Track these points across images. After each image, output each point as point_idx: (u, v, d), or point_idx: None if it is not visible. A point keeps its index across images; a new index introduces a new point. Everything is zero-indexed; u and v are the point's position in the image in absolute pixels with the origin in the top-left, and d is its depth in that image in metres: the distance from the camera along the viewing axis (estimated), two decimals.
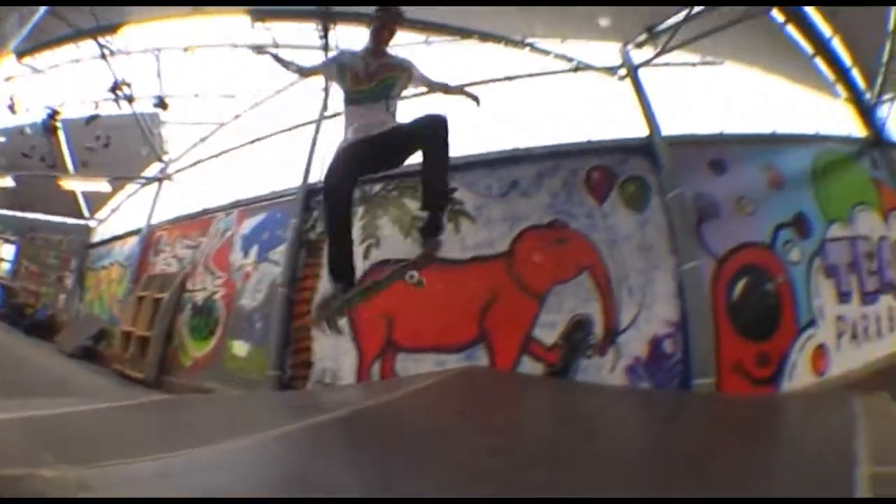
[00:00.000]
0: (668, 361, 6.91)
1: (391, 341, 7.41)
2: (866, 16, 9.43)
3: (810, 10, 8.96)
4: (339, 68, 3.73)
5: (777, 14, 8.38)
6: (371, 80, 3.69)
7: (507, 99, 8.34)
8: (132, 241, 12.18)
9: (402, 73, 3.80)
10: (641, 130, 7.71)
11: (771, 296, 7.64)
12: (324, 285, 3.76)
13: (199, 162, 11.61)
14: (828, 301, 8.18)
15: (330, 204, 3.61)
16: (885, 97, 10.52)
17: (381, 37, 3.74)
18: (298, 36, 8.39)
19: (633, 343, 6.95)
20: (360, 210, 8.02)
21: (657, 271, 7.16)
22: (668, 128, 7.86)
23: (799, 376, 7.51)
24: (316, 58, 7.02)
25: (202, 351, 9.46)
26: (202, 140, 11.38)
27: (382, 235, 7.88)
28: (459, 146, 7.90)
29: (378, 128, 3.57)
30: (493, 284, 7.17)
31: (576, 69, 8.36)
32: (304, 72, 4.18)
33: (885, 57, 10.14)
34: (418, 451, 3.15)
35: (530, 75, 8.56)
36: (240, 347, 8.92)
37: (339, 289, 3.64)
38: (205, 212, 10.58)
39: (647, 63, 8.30)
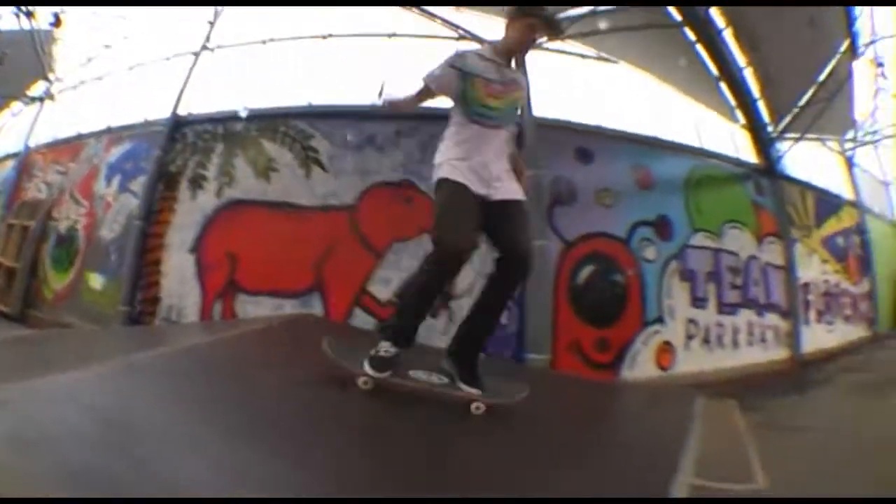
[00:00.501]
0: (503, 332, 6.95)
1: (233, 282, 7.25)
2: (795, 57, 9.84)
3: (730, 39, 9.38)
4: (462, 75, 2.86)
5: (689, 32, 8.58)
6: (504, 95, 2.94)
7: (386, 56, 8.18)
8: (9, 165, 11.55)
9: (523, 97, 3.19)
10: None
11: (618, 286, 7.84)
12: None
13: (81, 84, 11.00)
14: (680, 302, 8.43)
15: (444, 267, 2.83)
16: (789, 135, 11.15)
17: (529, 45, 3.01)
18: None
19: (467, 309, 6.78)
20: (219, 146, 7.83)
21: None
22: (543, 110, 7.87)
23: (641, 367, 7.74)
24: None
25: (62, 283, 9.03)
26: (88, 61, 10.77)
27: (236, 175, 7.64)
28: (323, 94, 7.88)
29: (497, 183, 2.87)
30: (335, 235, 7.12)
31: (460, 38, 8.25)
32: (416, 99, 3.10)
33: (804, 101, 10.81)
34: (232, 388, 3.09)
35: (415, 36, 8.41)
36: (96, 280, 8.55)
37: (397, 352, 2.86)
38: (78, 136, 10.08)
39: (537, 45, 8.18)
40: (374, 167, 7.39)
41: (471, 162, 2.84)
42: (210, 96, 8.40)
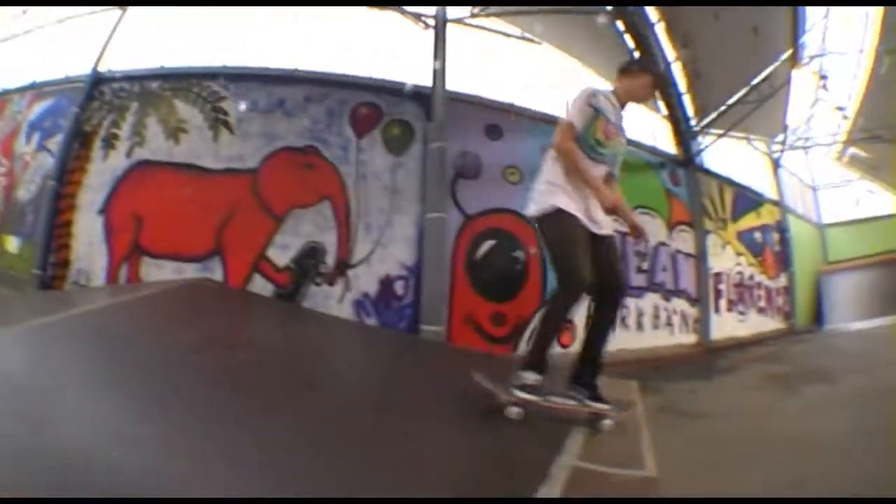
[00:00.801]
0: (398, 302, 7.09)
1: (138, 245, 7.08)
2: (729, 58, 9.96)
3: (661, 33, 9.54)
4: (595, 113, 3.05)
5: (620, 24, 8.59)
6: (614, 138, 3.17)
7: (306, 20, 8.10)
8: None
9: (625, 144, 3.38)
10: (427, 80, 7.73)
11: (519, 263, 7.83)
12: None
13: (13, 37, 10.69)
14: None
15: (574, 302, 3.00)
16: (714, 131, 11.48)
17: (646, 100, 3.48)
18: None
19: (363, 278, 7.09)
20: (133, 105, 7.67)
21: (400, 215, 7.31)
22: (457, 84, 7.91)
23: None
24: None
25: None
26: (24, 12, 10.48)
27: (147, 136, 7.47)
28: (235, 56, 7.80)
29: (597, 216, 3.08)
30: (237, 199, 7.03)
31: (383, 5, 8.22)
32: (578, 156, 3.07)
33: (733, 101, 11.02)
34: (126, 350, 3.30)
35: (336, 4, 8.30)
36: (12, 243, 8.30)
37: (540, 378, 3.04)
38: (4, 92, 9.75)
39: (459, 20, 8.36)
40: (281, 132, 7.30)
41: (580, 192, 3.02)
42: (131, 53, 8.20)
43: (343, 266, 7.09)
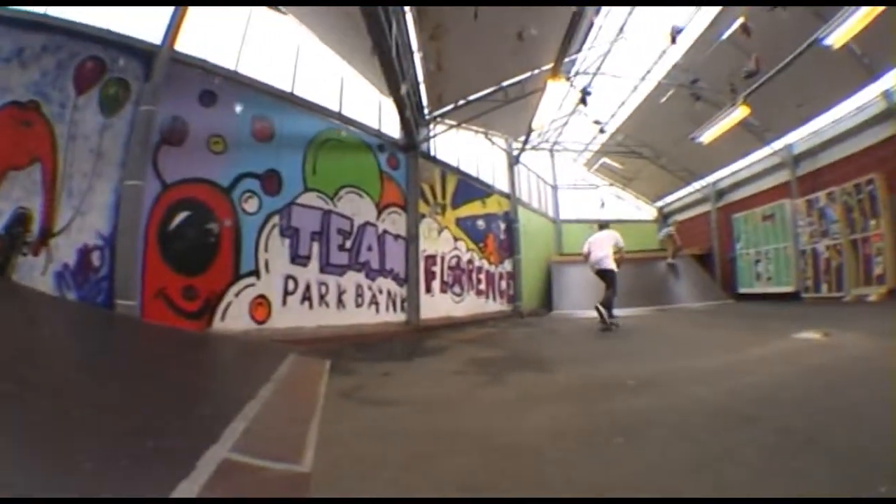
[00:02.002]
0: (95, 275, 6.83)
1: None
2: (480, 58, 10.66)
3: (411, 22, 9.64)
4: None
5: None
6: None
7: None
8: None
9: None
10: (158, 38, 7.61)
11: (212, 235, 7.89)
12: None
13: None
14: (277, 258, 8.67)
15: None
16: (448, 122, 12.50)
17: None
18: None
19: (63, 248, 6.69)
20: None
21: (101, 180, 7.02)
22: (184, 45, 7.86)
23: (234, 319, 7.93)
24: None
25: None
26: None
27: None
28: None
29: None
30: None
31: None
32: None
33: (476, 97, 12.18)
34: None
35: None
36: None
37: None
38: None
39: None
40: (13, 84, 6.62)
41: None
42: None
43: (47, 235, 6.59)
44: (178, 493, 1.97)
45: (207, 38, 8.31)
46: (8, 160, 6.50)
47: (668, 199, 22.38)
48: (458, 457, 2.78)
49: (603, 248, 9.27)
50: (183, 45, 7.83)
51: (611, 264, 9.19)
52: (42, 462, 2.10)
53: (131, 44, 7.49)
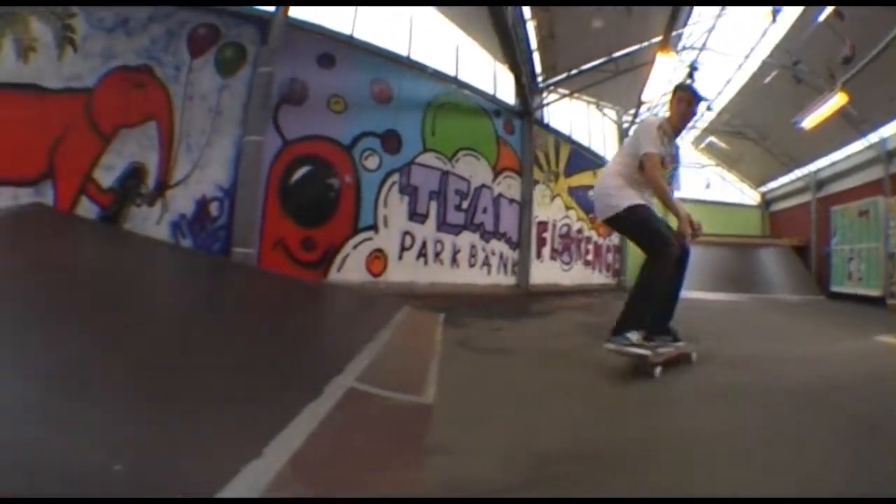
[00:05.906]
0: (213, 224, 7.23)
1: None
2: (591, 27, 10.52)
3: None
4: (660, 136, 3.78)
5: None
6: (668, 165, 3.91)
7: None
8: None
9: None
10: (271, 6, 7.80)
11: (332, 189, 8.12)
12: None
13: None
14: (395, 215, 8.84)
15: (670, 267, 3.70)
16: (562, 91, 12.33)
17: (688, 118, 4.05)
18: None
19: (180, 199, 7.13)
20: None
21: (220, 136, 7.37)
22: (302, 13, 8.20)
23: (351, 271, 8.14)
24: None
25: None
26: None
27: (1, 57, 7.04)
28: None
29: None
30: (70, 120, 6.74)
31: None
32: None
33: (588, 67, 11.99)
34: None
35: None
36: None
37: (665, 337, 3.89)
38: None
39: None
40: (121, 50, 7.03)
41: (645, 194, 3.81)
42: None
43: (163, 187, 7.04)
44: (305, 415, 2.09)
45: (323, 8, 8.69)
46: (120, 118, 6.96)
47: (771, 184, 21.35)
48: (570, 403, 3.00)
49: (607, 170, 4.23)
50: (297, 12, 8.11)
51: (622, 199, 3.81)
52: (190, 384, 2.34)
53: (244, 13, 7.86)
